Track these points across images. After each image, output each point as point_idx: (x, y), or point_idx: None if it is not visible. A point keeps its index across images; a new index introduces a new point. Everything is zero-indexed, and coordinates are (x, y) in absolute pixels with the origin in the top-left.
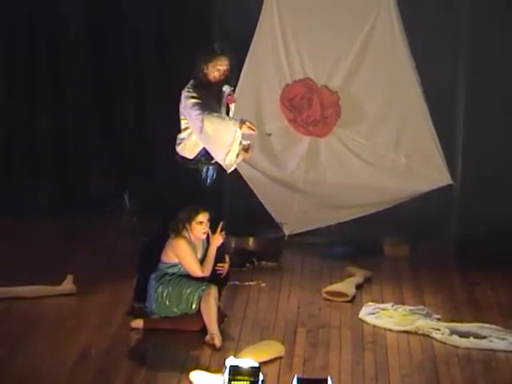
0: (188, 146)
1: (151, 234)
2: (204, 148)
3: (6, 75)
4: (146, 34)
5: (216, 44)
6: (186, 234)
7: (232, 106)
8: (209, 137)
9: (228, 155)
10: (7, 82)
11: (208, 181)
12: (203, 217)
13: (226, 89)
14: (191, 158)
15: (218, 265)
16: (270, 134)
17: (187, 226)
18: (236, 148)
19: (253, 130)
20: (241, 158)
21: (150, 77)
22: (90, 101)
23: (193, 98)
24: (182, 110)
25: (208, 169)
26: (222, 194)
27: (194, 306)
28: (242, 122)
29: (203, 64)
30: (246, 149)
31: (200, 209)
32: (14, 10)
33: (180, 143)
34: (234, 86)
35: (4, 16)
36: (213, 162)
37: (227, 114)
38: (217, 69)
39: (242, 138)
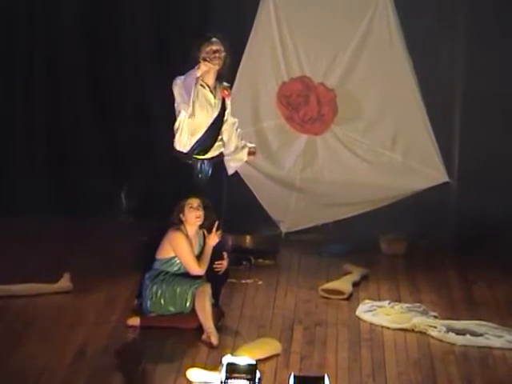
0: (182, 139)
1: (151, 232)
2: (198, 142)
3: (3, 75)
4: (144, 29)
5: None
6: (183, 228)
7: (228, 101)
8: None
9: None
10: (5, 81)
11: (202, 177)
12: (194, 201)
13: (221, 83)
14: (185, 151)
15: (216, 262)
16: None
17: (182, 217)
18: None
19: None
20: (245, 159)
21: (148, 77)
22: (87, 100)
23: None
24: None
25: (203, 164)
26: (222, 192)
27: (188, 304)
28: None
29: (197, 51)
30: (251, 152)
31: (191, 194)
32: (13, 10)
33: (175, 135)
34: (231, 83)
35: (3, 17)
36: (208, 157)
37: (223, 109)
38: (211, 50)
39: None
